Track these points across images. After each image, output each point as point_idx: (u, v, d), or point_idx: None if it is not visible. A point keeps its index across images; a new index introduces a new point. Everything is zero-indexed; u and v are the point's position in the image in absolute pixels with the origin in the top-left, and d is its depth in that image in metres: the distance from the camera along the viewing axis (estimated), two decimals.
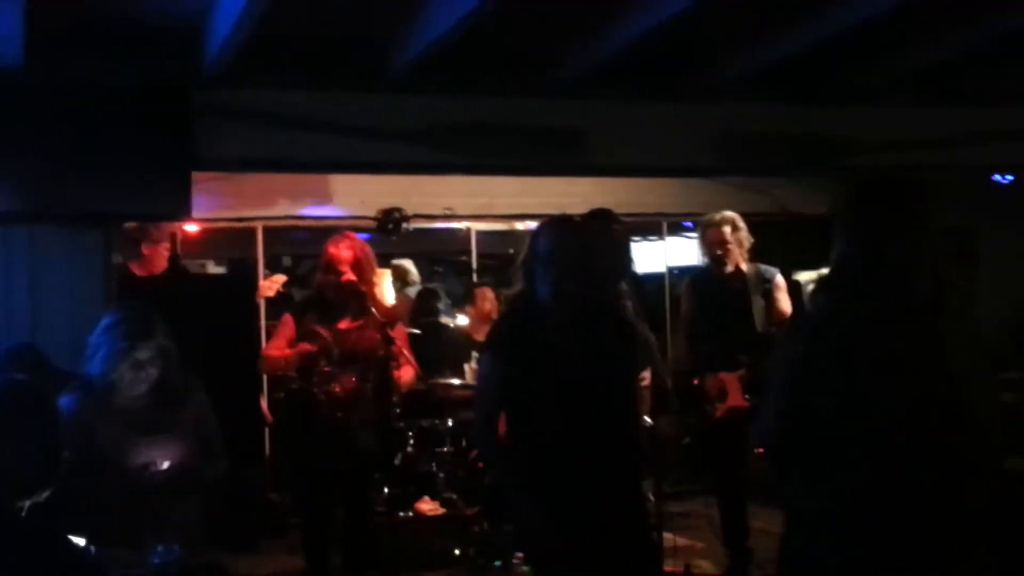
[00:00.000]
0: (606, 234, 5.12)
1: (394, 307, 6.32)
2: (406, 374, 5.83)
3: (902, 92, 6.77)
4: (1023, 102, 7.04)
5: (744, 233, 6.26)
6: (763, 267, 6.33)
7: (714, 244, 6.26)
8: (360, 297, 5.59)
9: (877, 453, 2.93)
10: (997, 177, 8.04)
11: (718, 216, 6.30)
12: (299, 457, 5.82)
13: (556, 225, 3.93)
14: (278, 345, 5.68)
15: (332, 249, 5.60)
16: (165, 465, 4.12)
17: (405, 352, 5.77)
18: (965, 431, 2.95)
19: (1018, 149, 7.18)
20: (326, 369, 5.52)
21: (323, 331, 5.53)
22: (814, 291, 3.26)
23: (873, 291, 3.00)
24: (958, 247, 7.26)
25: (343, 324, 5.58)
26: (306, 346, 5.50)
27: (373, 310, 5.63)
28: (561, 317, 3.78)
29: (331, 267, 5.57)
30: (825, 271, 3.21)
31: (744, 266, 6.25)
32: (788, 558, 3.14)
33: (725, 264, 6.21)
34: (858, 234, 3.08)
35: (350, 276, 5.56)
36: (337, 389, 5.51)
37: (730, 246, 6.19)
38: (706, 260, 6.46)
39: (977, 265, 8.36)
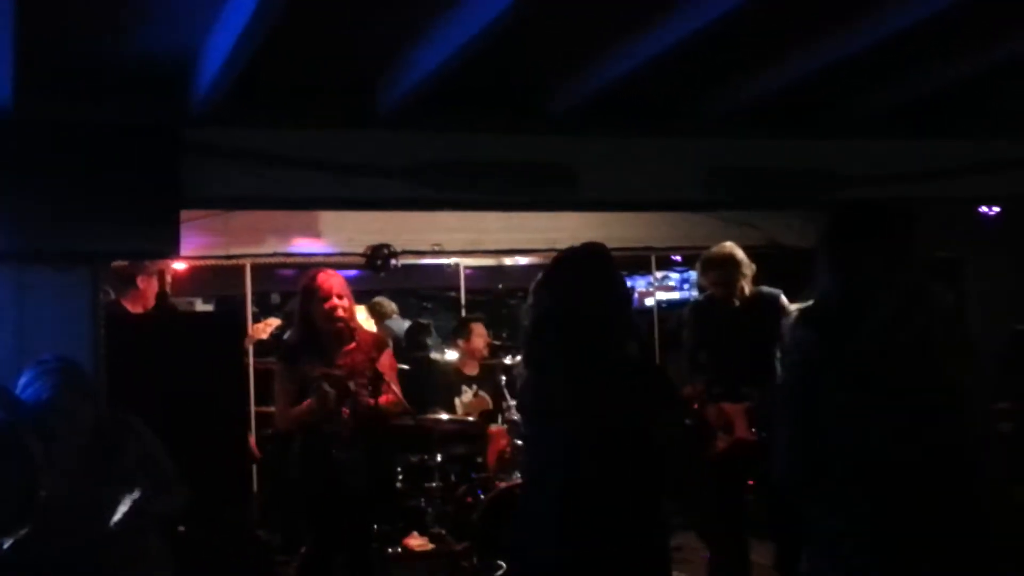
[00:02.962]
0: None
1: (380, 334, 6.30)
2: (384, 399, 5.76)
3: (889, 125, 6.81)
4: (1007, 134, 7.08)
5: (745, 262, 6.12)
6: (765, 290, 6.18)
7: (717, 285, 6.15)
8: (351, 327, 5.61)
9: (888, 475, 2.98)
10: (983, 209, 8.08)
11: (716, 253, 6.17)
12: (299, 497, 5.79)
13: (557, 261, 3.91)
14: (286, 399, 5.64)
15: (323, 277, 5.60)
16: (118, 515, 4.12)
17: (390, 381, 5.73)
18: (964, 437, 3.00)
19: (1003, 181, 7.22)
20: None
21: (329, 372, 5.48)
22: (794, 322, 3.27)
23: (848, 317, 3.04)
24: (944, 279, 7.30)
25: (338, 358, 5.56)
26: (333, 391, 5.46)
27: (371, 340, 5.66)
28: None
29: (323, 296, 5.55)
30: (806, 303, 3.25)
31: (747, 290, 6.13)
32: None
33: (731, 298, 6.10)
34: (833, 262, 3.12)
35: (343, 304, 5.56)
36: (339, 425, 5.48)
37: (734, 285, 6.08)
38: (707, 288, 6.34)
39: (963, 297, 8.38)
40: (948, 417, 3.01)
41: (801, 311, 3.22)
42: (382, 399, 5.64)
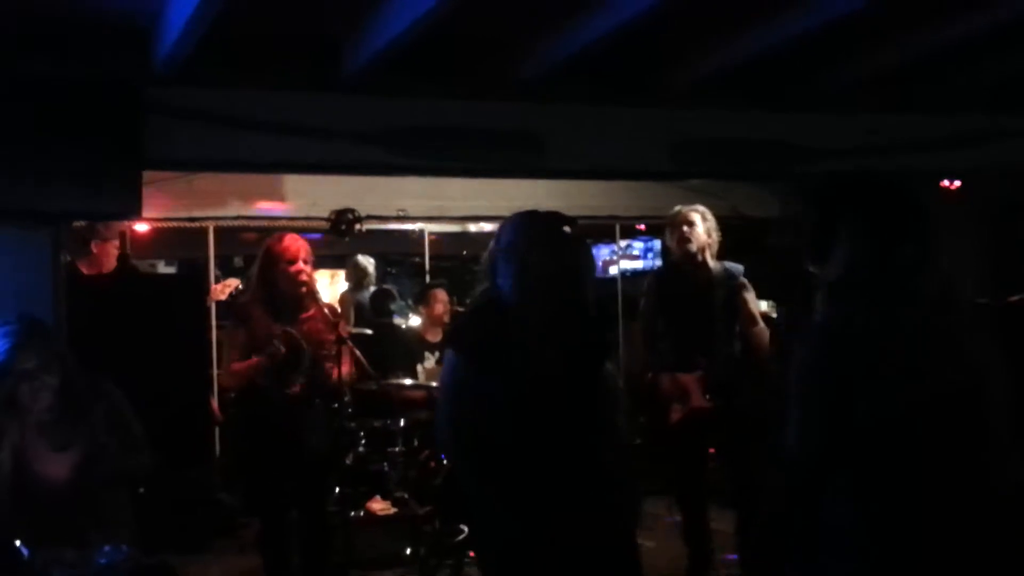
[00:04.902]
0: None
1: (332, 305, 6.28)
2: (344, 366, 5.74)
3: (854, 98, 6.83)
4: (969, 108, 7.13)
5: (712, 225, 6.17)
6: (729, 265, 6.22)
7: (679, 225, 6.18)
8: (312, 291, 5.58)
9: (920, 462, 2.90)
10: (945, 183, 8.14)
11: (686, 208, 6.26)
12: (251, 458, 5.77)
13: (521, 216, 3.71)
14: (235, 356, 5.59)
15: (288, 241, 5.56)
16: (71, 467, 4.13)
17: (350, 347, 5.72)
18: (988, 427, 2.95)
19: (966, 155, 7.27)
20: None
21: (288, 330, 5.45)
22: (825, 295, 3.19)
23: (886, 293, 2.98)
24: None
25: (296, 324, 5.53)
26: (284, 347, 5.41)
27: (326, 309, 5.62)
28: (528, 314, 3.61)
29: (285, 259, 5.51)
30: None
31: (711, 263, 6.17)
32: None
33: (691, 252, 6.12)
34: (865, 236, 3.06)
35: (307, 270, 5.53)
36: (294, 389, 5.46)
37: (697, 229, 6.12)
38: (671, 249, 6.36)
39: None
40: (977, 407, 2.95)
41: (831, 283, 3.14)
42: (345, 369, 5.64)
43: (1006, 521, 2.95)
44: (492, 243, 3.72)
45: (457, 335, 3.92)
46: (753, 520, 5.99)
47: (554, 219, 3.75)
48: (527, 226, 3.68)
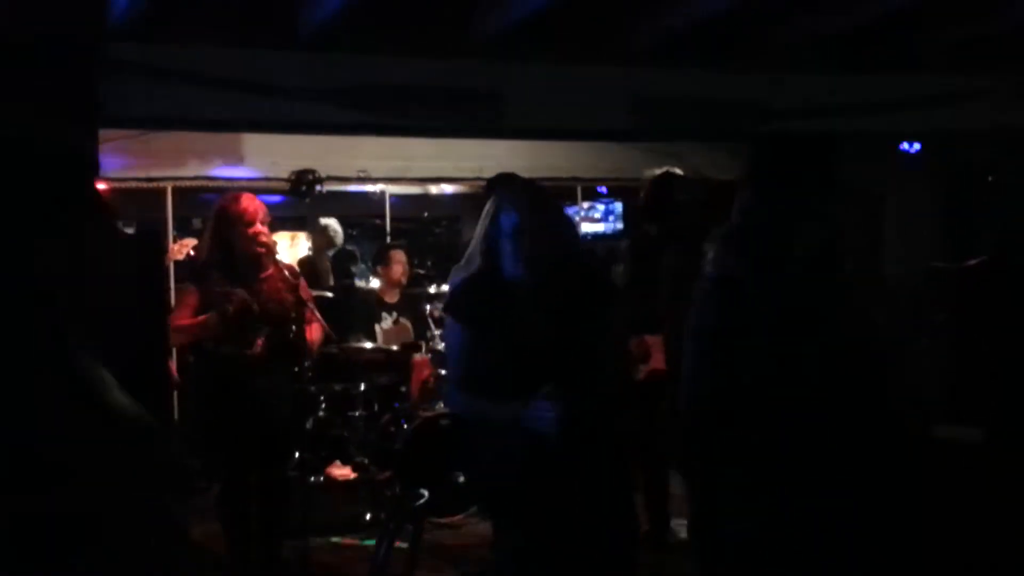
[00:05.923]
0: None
1: (291, 265, 6.21)
2: (314, 333, 5.71)
3: (815, 59, 6.84)
4: (931, 70, 7.15)
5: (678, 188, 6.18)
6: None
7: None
8: (271, 252, 5.51)
9: (799, 417, 2.94)
10: (905, 146, 8.17)
11: (659, 171, 6.28)
12: (212, 423, 5.71)
13: (518, 196, 3.74)
14: (184, 315, 5.51)
15: (245, 203, 5.48)
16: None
17: (312, 310, 5.68)
18: (876, 373, 3.01)
19: (927, 116, 7.29)
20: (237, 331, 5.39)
21: (238, 291, 5.38)
22: (716, 248, 3.21)
23: (769, 245, 3.00)
24: (863, 213, 7.39)
25: (255, 284, 5.46)
26: (233, 307, 5.34)
27: (285, 270, 5.57)
28: (536, 289, 3.65)
29: (244, 221, 5.43)
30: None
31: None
32: (707, 528, 3.15)
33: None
34: (755, 193, 3.08)
35: (263, 229, 5.47)
36: (255, 350, 5.40)
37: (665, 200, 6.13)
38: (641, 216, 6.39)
39: (881, 231, 8.50)
40: (861, 353, 3.01)
41: (723, 236, 3.16)
42: (312, 333, 5.59)
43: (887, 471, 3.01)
44: (485, 224, 3.70)
45: (456, 305, 3.89)
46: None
47: (541, 191, 3.79)
48: (530, 206, 3.70)
